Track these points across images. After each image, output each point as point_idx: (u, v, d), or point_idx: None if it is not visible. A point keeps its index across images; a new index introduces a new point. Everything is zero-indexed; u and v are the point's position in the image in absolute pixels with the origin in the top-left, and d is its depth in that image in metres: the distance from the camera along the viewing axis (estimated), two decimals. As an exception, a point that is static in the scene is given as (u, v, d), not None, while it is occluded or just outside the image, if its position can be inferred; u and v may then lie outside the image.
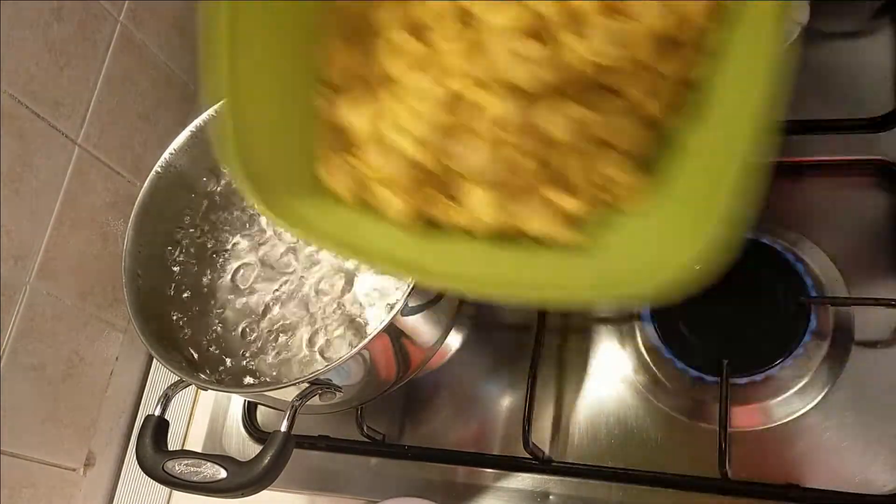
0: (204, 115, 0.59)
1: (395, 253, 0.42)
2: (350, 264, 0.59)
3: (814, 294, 0.57)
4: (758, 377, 0.56)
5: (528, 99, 0.38)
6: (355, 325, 0.58)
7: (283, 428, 0.50)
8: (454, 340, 0.66)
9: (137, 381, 0.75)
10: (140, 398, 0.75)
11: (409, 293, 0.50)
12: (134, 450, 0.53)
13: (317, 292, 0.60)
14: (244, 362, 0.59)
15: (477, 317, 0.67)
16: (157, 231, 0.60)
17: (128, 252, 0.57)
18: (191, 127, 0.59)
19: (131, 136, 0.71)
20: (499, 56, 0.37)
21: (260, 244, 0.62)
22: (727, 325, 0.58)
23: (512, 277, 0.42)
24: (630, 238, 0.41)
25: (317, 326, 0.58)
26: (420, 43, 0.41)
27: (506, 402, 0.63)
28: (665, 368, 0.59)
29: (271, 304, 0.60)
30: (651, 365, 0.60)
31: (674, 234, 0.39)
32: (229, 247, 0.63)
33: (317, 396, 0.51)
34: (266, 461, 0.49)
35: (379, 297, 0.58)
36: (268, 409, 0.67)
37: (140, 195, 0.59)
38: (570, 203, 0.40)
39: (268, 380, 0.57)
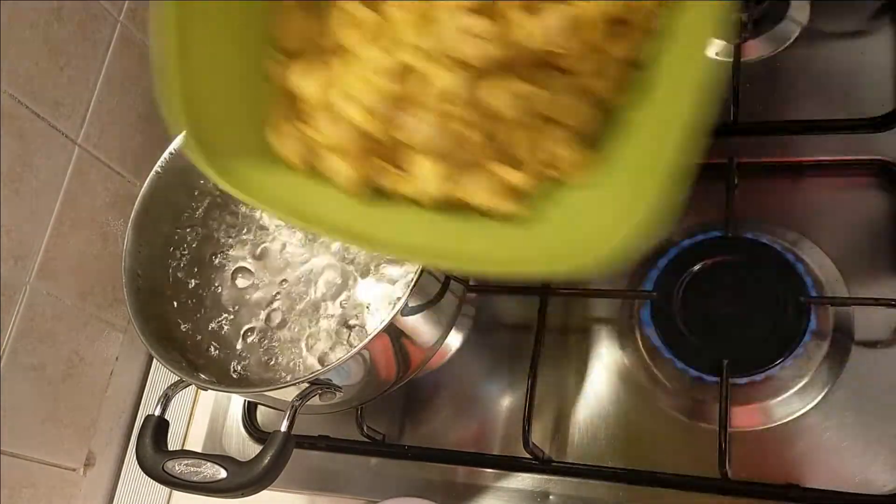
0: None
1: (341, 220, 0.43)
2: (351, 265, 0.59)
3: (814, 294, 0.57)
4: (758, 377, 0.56)
5: (475, 74, 0.38)
6: (355, 325, 0.58)
7: (283, 428, 0.50)
8: (454, 340, 0.66)
9: (137, 381, 0.75)
10: (140, 398, 0.75)
11: (410, 293, 0.50)
12: (134, 450, 0.53)
13: (317, 292, 0.59)
14: (244, 362, 0.59)
15: (477, 317, 0.67)
16: (157, 231, 0.60)
17: (128, 252, 0.57)
18: (191, 127, 0.59)
19: (131, 136, 0.71)
20: (448, 31, 0.38)
21: (260, 244, 0.62)
22: (727, 325, 0.58)
23: (455, 248, 0.43)
24: (573, 211, 0.42)
25: (317, 326, 0.58)
26: (373, 12, 0.41)
27: (506, 402, 0.63)
28: (665, 368, 0.59)
29: (271, 303, 0.60)
30: (651, 365, 0.60)
31: (615, 206, 0.40)
32: (229, 247, 0.63)
33: (317, 396, 0.51)
34: (266, 461, 0.49)
35: (379, 297, 0.58)
36: (268, 409, 0.67)
37: (140, 195, 0.59)
38: (514, 176, 0.41)
39: (268, 380, 0.57)
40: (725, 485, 0.54)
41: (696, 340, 0.58)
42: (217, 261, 0.62)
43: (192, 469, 0.50)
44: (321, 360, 0.57)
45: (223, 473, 0.49)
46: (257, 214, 0.63)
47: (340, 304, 0.58)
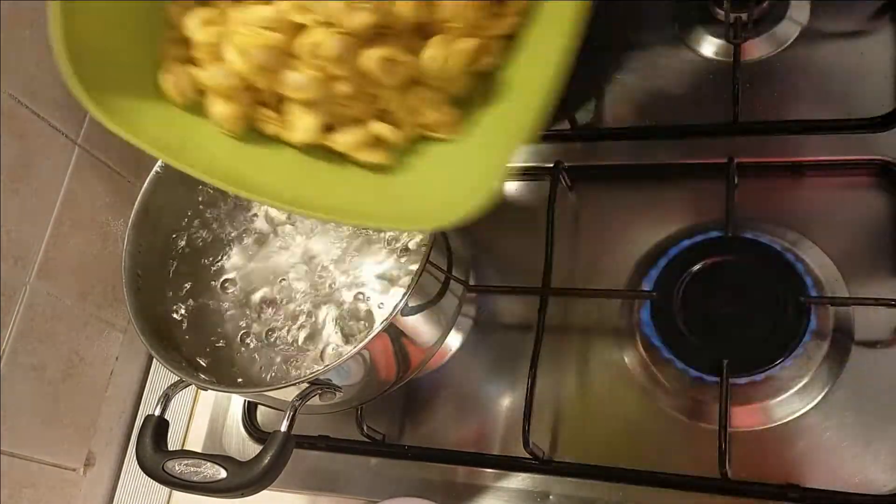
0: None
1: (218, 165, 0.46)
2: (352, 264, 0.59)
3: (814, 294, 0.57)
4: (758, 377, 0.56)
5: (356, 38, 0.43)
6: (356, 325, 0.58)
7: (283, 428, 0.50)
8: (454, 340, 0.66)
9: (137, 381, 0.75)
10: (140, 398, 0.75)
11: (410, 293, 0.50)
12: (134, 450, 0.53)
13: (318, 292, 0.59)
14: (244, 361, 0.59)
15: (477, 317, 0.67)
16: (157, 231, 0.60)
17: (128, 252, 0.57)
18: (191, 127, 0.59)
19: (131, 136, 0.71)
20: (335, 4, 0.42)
21: (261, 244, 0.62)
22: (727, 325, 0.58)
23: (322, 197, 0.46)
24: (438, 163, 0.46)
25: (317, 326, 0.58)
26: None
27: (506, 402, 0.63)
28: (665, 368, 0.59)
29: (271, 303, 0.60)
30: (651, 365, 0.60)
31: (479, 160, 0.44)
32: (230, 246, 0.63)
33: (317, 396, 0.51)
34: (266, 461, 0.49)
35: (379, 297, 0.58)
36: (268, 409, 0.67)
37: (140, 195, 0.59)
38: (381, 127, 0.45)
39: (268, 380, 0.57)
40: (725, 485, 0.54)
41: (696, 340, 0.58)
42: (217, 260, 0.62)
43: (192, 469, 0.50)
44: (321, 360, 0.57)
45: (223, 473, 0.49)
46: (257, 214, 0.63)
47: (342, 303, 0.58)
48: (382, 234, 0.59)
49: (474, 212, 0.41)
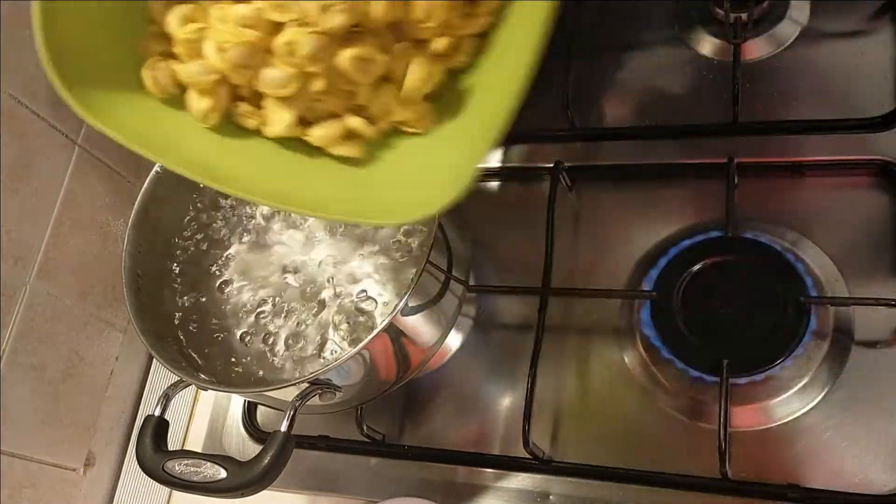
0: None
1: (195, 158, 0.46)
2: (353, 264, 0.59)
3: (814, 294, 0.57)
4: (758, 377, 0.56)
5: (331, 37, 0.44)
6: (356, 325, 0.58)
7: (283, 428, 0.50)
8: (454, 340, 0.66)
9: (137, 381, 0.75)
10: (140, 398, 0.75)
11: (410, 293, 0.50)
12: (134, 450, 0.53)
13: (318, 291, 0.59)
14: (244, 361, 0.59)
15: (477, 317, 0.67)
16: (158, 231, 0.60)
17: (128, 252, 0.57)
18: (191, 127, 0.59)
19: (131, 136, 0.71)
20: (309, 3, 0.43)
21: (261, 243, 0.62)
22: (727, 325, 0.58)
23: (295, 192, 0.47)
24: (410, 160, 0.47)
25: (317, 326, 0.58)
26: None
27: (506, 402, 0.63)
28: (665, 368, 0.59)
29: (272, 302, 0.60)
30: (651, 365, 0.60)
31: (450, 154, 0.45)
32: (230, 246, 0.63)
33: (317, 396, 0.51)
34: (266, 461, 0.49)
35: (379, 297, 0.58)
36: (268, 409, 0.67)
37: (140, 195, 0.59)
38: (354, 121, 0.46)
39: (268, 380, 0.57)
40: (725, 485, 0.54)
41: (696, 340, 0.58)
42: (217, 260, 0.63)
43: (192, 469, 0.50)
44: (321, 360, 0.57)
45: (223, 473, 0.49)
46: (258, 214, 0.63)
47: (342, 304, 0.58)
48: (382, 235, 0.59)
49: (445, 207, 0.42)
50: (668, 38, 0.73)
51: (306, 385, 0.51)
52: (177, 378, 0.53)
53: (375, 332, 0.49)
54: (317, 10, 0.42)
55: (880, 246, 0.59)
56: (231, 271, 0.62)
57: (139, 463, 0.52)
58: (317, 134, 0.47)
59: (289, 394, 0.51)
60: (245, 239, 0.63)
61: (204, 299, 0.61)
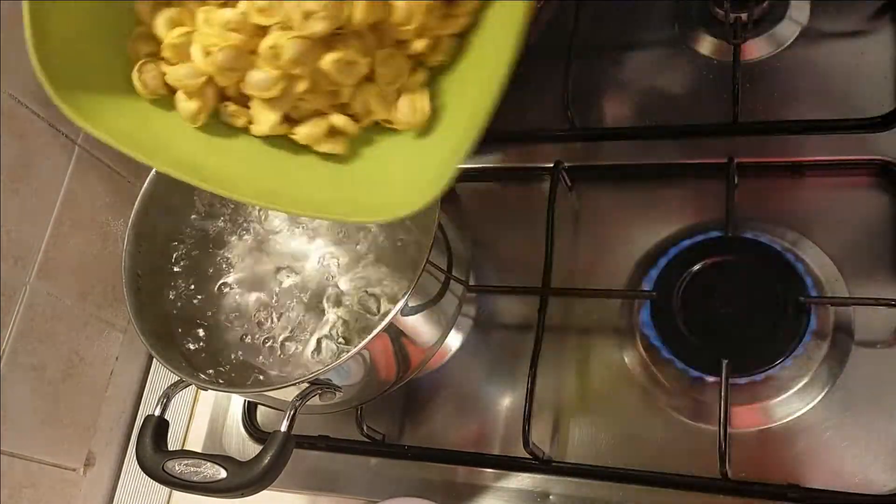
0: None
1: (186, 157, 0.47)
2: (353, 264, 0.59)
3: (814, 294, 0.57)
4: (758, 377, 0.56)
5: (314, 41, 0.45)
6: (356, 325, 0.58)
7: (283, 428, 0.50)
8: (454, 340, 0.66)
9: (137, 381, 0.75)
10: (140, 398, 0.75)
11: (410, 293, 0.50)
12: (134, 450, 0.53)
13: (318, 290, 0.59)
14: (244, 361, 0.59)
15: (477, 317, 0.67)
16: (158, 231, 0.60)
17: (128, 252, 0.57)
18: (191, 127, 0.59)
19: (131, 136, 0.71)
20: (292, 10, 0.44)
21: (261, 243, 0.62)
22: (727, 325, 0.58)
23: (283, 191, 0.47)
24: (393, 158, 0.48)
25: (317, 325, 0.58)
26: None
27: (506, 402, 0.63)
28: (665, 368, 0.59)
29: (272, 302, 0.60)
30: (651, 365, 0.60)
31: (432, 154, 0.46)
32: (230, 247, 0.63)
33: (317, 396, 0.51)
34: (266, 461, 0.49)
35: (379, 297, 0.58)
36: (268, 409, 0.67)
37: (140, 195, 0.59)
38: (338, 119, 0.47)
39: (268, 380, 0.57)
40: (725, 485, 0.54)
41: (696, 340, 0.58)
42: (217, 260, 0.62)
43: (192, 469, 0.50)
44: (321, 360, 0.57)
45: (223, 473, 0.49)
46: (258, 214, 0.63)
47: (341, 303, 0.58)
48: (382, 235, 0.59)
49: (426, 206, 0.43)
50: (668, 38, 0.73)
51: (306, 385, 0.51)
52: (177, 378, 0.53)
53: (375, 332, 0.49)
54: (299, 16, 0.43)
55: (880, 246, 0.59)
56: (231, 271, 0.62)
57: (139, 463, 0.52)
58: (302, 132, 0.48)
59: (289, 394, 0.51)
60: (245, 239, 0.63)
61: (204, 299, 0.61)
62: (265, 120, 0.47)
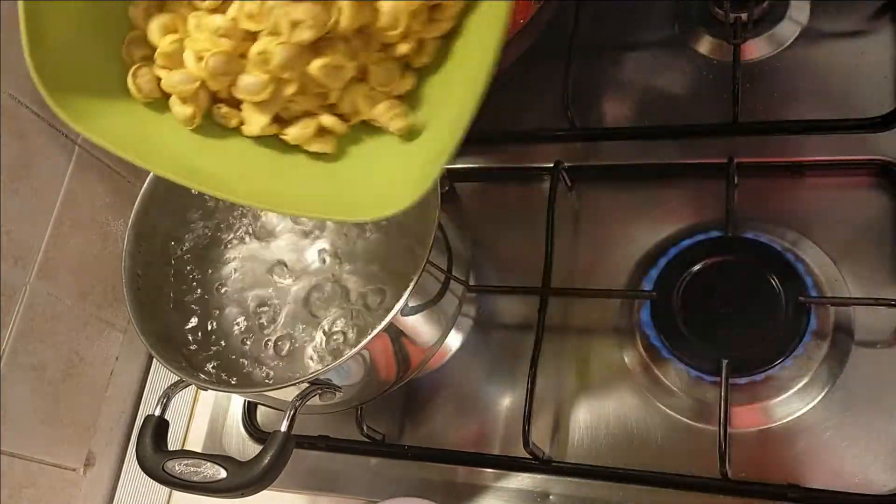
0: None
1: (180, 160, 0.48)
2: (353, 264, 0.59)
3: (814, 294, 0.57)
4: (758, 377, 0.56)
5: (302, 47, 0.45)
6: (356, 325, 0.58)
7: (283, 428, 0.50)
8: (454, 340, 0.66)
9: (137, 381, 0.75)
10: (140, 398, 0.75)
11: (410, 293, 0.50)
12: (134, 450, 0.53)
13: (319, 290, 0.60)
14: (244, 361, 0.59)
15: (477, 317, 0.67)
16: (158, 231, 0.60)
17: (128, 252, 0.57)
18: (191, 127, 0.59)
19: (131, 136, 0.71)
20: (280, 18, 0.45)
21: (261, 244, 0.62)
22: (727, 325, 0.58)
23: (275, 191, 0.48)
24: (381, 157, 0.48)
25: (317, 325, 0.58)
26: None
27: (506, 402, 0.63)
28: (665, 368, 0.59)
29: (272, 303, 0.60)
30: (651, 365, 0.60)
31: (419, 154, 0.47)
32: (230, 246, 0.63)
33: (317, 396, 0.51)
34: (266, 461, 0.49)
35: (379, 297, 0.58)
36: (268, 409, 0.67)
37: (140, 195, 0.59)
38: (328, 119, 0.48)
39: (268, 380, 0.57)
40: (725, 485, 0.54)
41: (696, 340, 0.58)
42: (217, 260, 0.63)
43: (192, 469, 0.50)
44: (321, 360, 0.57)
45: (223, 473, 0.49)
46: (258, 214, 0.63)
47: (341, 302, 0.58)
48: (382, 235, 0.59)
49: (411, 206, 0.43)
50: (668, 38, 0.73)
51: (306, 385, 0.51)
52: (177, 378, 0.53)
53: (375, 332, 0.49)
54: (287, 25, 0.44)
55: (880, 246, 0.59)
56: (231, 271, 0.62)
57: (139, 463, 0.52)
58: (292, 133, 0.49)
59: (289, 394, 0.51)
60: (245, 239, 0.63)
61: (204, 299, 0.61)
62: (256, 121, 0.48)
